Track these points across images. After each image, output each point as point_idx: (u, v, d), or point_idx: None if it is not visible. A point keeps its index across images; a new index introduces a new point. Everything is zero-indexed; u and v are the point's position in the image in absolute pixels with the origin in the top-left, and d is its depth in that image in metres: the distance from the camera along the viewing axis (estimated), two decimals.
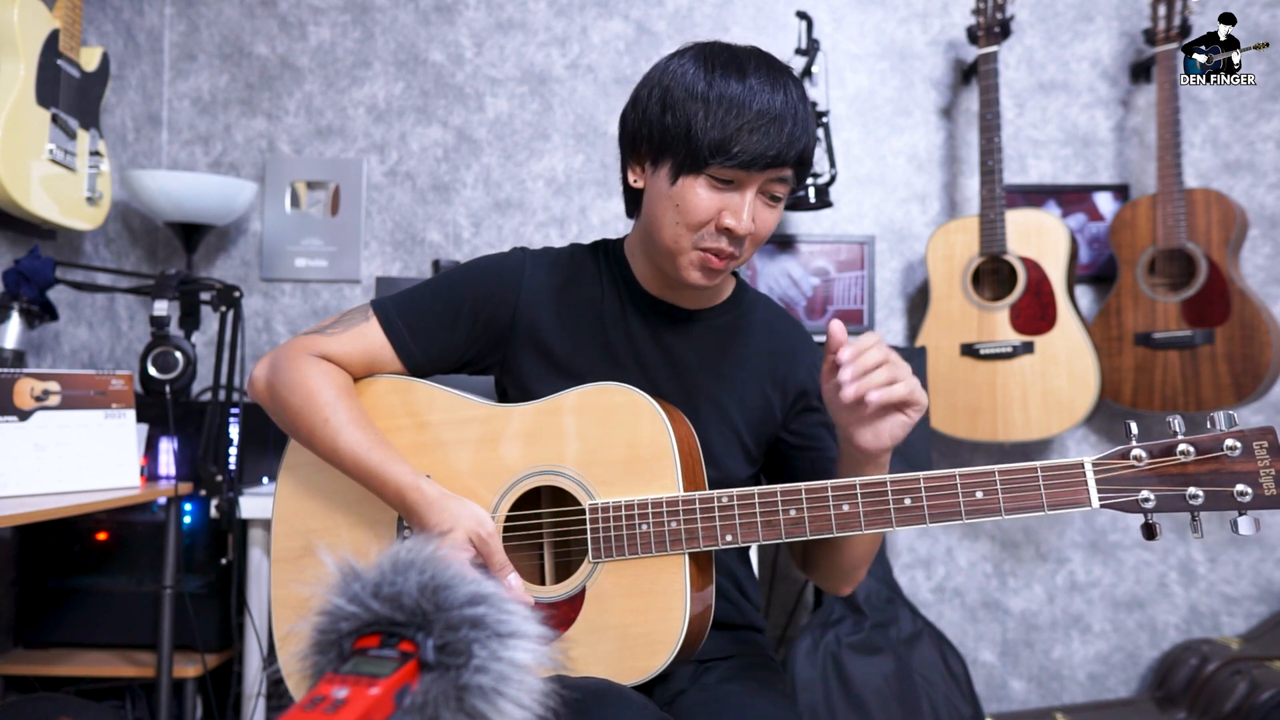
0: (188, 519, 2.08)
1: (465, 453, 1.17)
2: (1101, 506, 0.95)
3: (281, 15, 2.75)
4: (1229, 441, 0.92)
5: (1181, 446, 0.94)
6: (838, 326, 1.00)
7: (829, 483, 1.03)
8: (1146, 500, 0.94)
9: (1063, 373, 2.35)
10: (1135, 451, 0.95)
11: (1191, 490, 0.93)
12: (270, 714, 2.11)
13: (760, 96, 1.06)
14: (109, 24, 2.48)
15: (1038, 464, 0.97)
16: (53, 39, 2.01)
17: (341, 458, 1.15)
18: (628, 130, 1.16)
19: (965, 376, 2.43)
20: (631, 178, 1.18)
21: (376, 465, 1.13)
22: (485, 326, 1.22)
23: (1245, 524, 0.92)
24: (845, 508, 1.02)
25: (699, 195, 1.09)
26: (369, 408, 1.21)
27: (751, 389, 1.23)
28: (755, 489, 1.06)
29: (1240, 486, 0.92)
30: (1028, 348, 2.38)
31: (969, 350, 2.43)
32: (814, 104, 2.51)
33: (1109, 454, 0.96)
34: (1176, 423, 0.95)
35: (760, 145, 1.05)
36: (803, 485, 1.04)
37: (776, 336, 1.26)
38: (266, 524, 2.07)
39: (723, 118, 1.05)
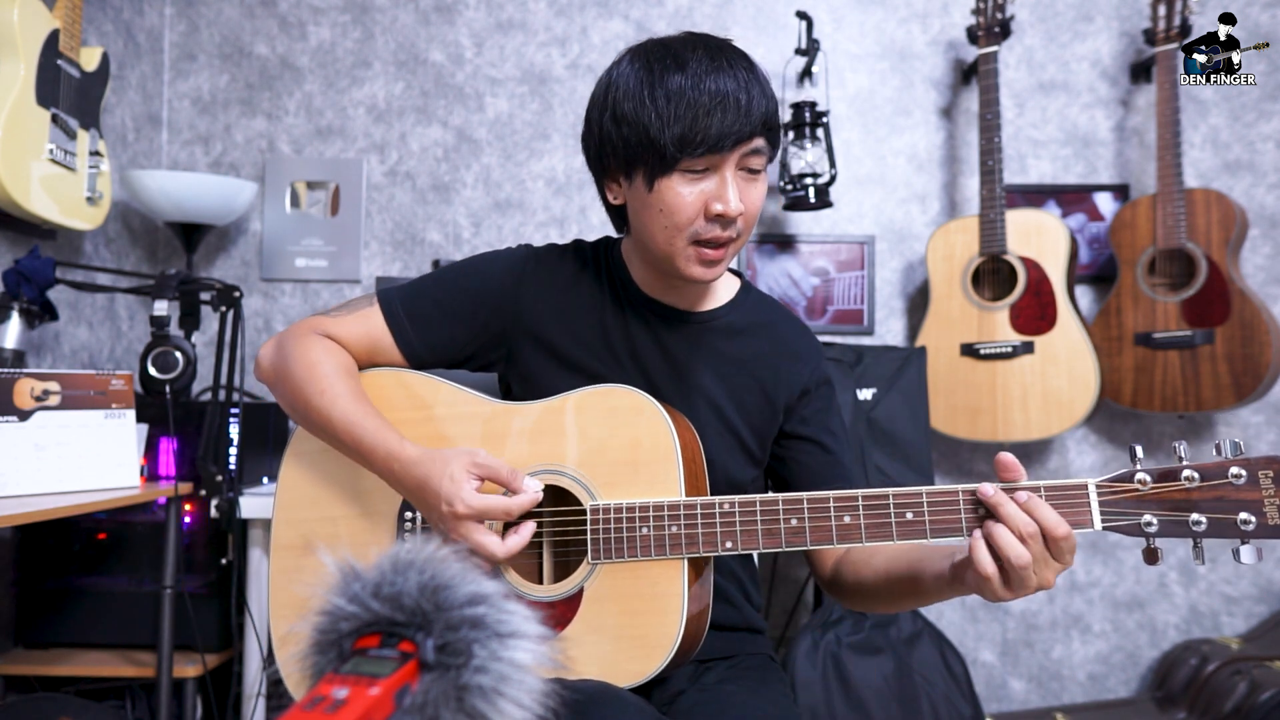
0: (188, 519, 2.08)
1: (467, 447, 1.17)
2: (1104, 529, 0.94)
3: (281, 15, 2.75)
4: (1234, 469, 0.92)
5: (1186, 472, 0.93)
6: (1008, 467, 0.96)
7: (831, 493, 1.03)
8: (1149, 524, 0.93)
9: (1063, 373, 2.35)
10: (1139, 475, 0.94)
11: (1195, 516, 0.92)
12: (270, 714, 2.11)
13: (706, 80, 1.05)
14: (109, 24, 2.48)
15: (1041, 483, 0.96)
16: (53, 39, 2.01)
17: (335, 428, 1.15)
18: (591, 153, 1.17)
19: (965, 376, 2.43)
20: (610, 196, 1.18)
21: (369, 435, 1.13)
22: (487, 322, 1.22)
23: (1247, 553, 0.91)
24: (847, 519, 1.02)
25: (679, 193, 1.08)
26: (375, 400, 1.21)
27: (753, 390, 1.22)
28: (757, 496, 1.05)
29: (1244, 515, 0.91)
30: (1028, 348, 2.38)
31: (969, 350, 2.43)
32: (814, 103, 2.52)
33: (1113, 476, 0.95)
34: (1182, 449, 0.94)
35: (721, 125, 1.05)
36: (805, 495, 1.04)
37: (779, 338, 1.26)
38: (266, 524, 2.07)
39: (676, 112, 1.05)
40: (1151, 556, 0.94)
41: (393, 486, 1.14)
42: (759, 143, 1.09)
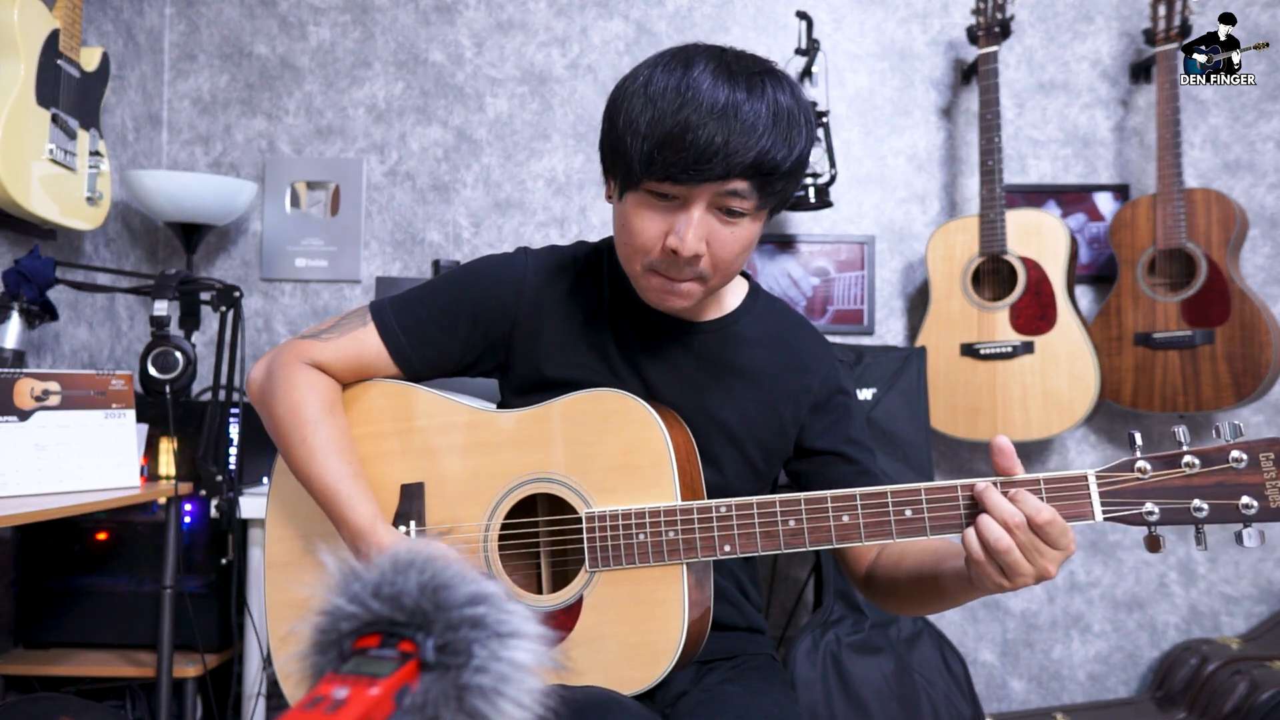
0: (188, 519, 2.08)
1: (459, 459, 1.15)
2: (1105, 520, 0.93)
3: (281, 15, 2.75)
4: (1234, 453, 0.90)
5: (1186, 458, 0.92)
6: (1003, 452, 0.94)
7: (828, 493, 1.01)
8: (1150, 513, 0.92)
9: (1063, 373, 2.35)
10: (1139, 463, 0.93)
11: (1196, 502, 0.91)
12: (270, 714, 2.11)
13: (699, 95, 0.94)
14: (109, 24, 2.48)
15: (1041, 476, 0.95)
16: (53, 39, 2.01)
17: (311, 485, 1.13)
18: (600, 145, 1.12)
19: (965, 376, 2.43)
20: (606, 192, 1.14)
21: (341, 502, 1.10)
22: (485, 332, 1.20)
23: (1250, 536, 0.90)
24: (845, 519, 1.00)
25: (640, 216, 1.02)
26: (362, 412, 1.19)
27: (759, 403, 1.19)
28: (754, 499, 1.03)
29: (1245, 499, 0.90)
30: (1028, 348, 2.38)
31: (969, 350, 2.43)
32: (814, 104, 2.51)
33: (1113, 465, 0.94)
34: (1181, 433, 0.93)
35: (693, 153, 0.94)
36: (802, 495, 1.02)
37: (787, 347, 1.22)
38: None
39: (652, 125, 0.95)
40: (1154, 544, 0.93)
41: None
42: (739, 185, 0.97)
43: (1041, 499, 0.94)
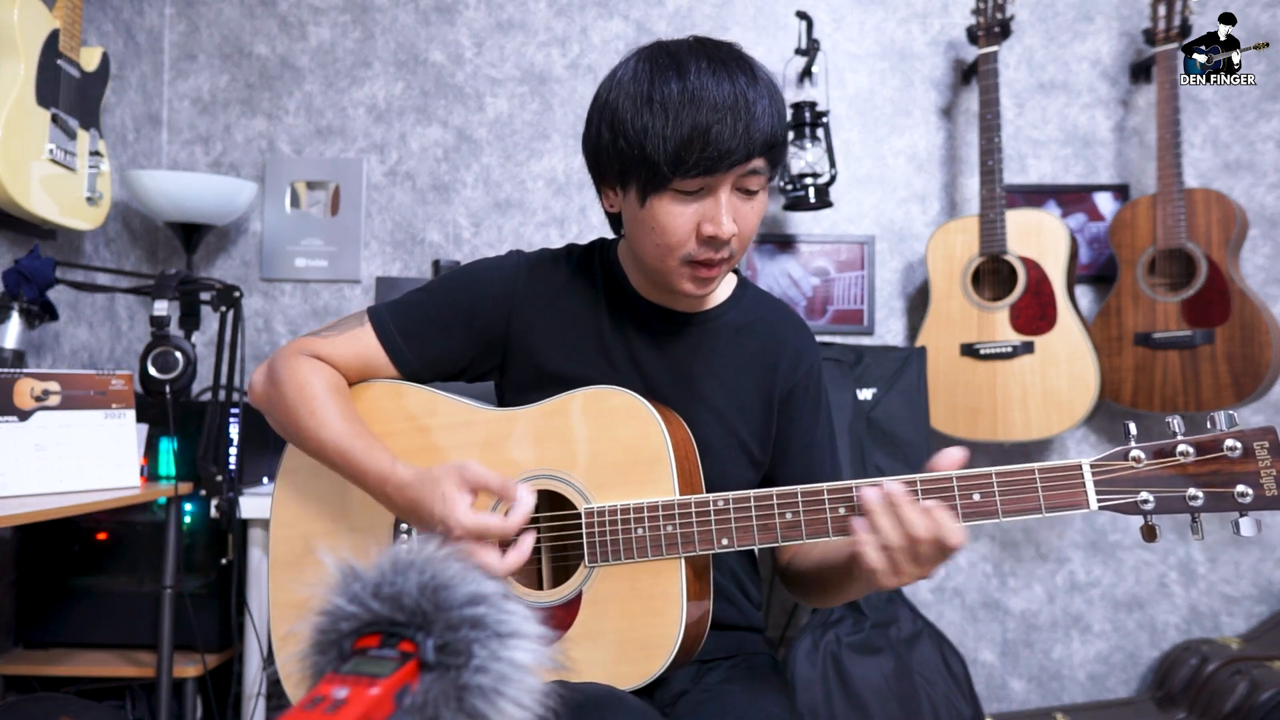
0: (188, 519, 2.08)
1: (460, 457, 1.15)
2: (1100, 509, 0.94)
3: (281, 15, 2.75)
4: (1229, 442, 0.91)
5: (1181, 447, 0.92)
6: (951, 460, 0.97)
7: (825, 485, 1.02)
8: (1145, 502, 0.93)
9: (1063, 373, 2.35)
10: (1134, 452, 0.94)
11: (1191, 491, 0.92)
12: (270, 714, 2.11)
13: (706, 97, 1.01)
14: (109, 24, 2.48)
15: (1035, 465, 0.95)
16: (53, 39, 2.01)
17: (326, 450, 1.14)
18: (589, 158, 1.15)
19: (965, 376, 2.43)
20: (606, 204, 1.16)
21: (359, 456, 1.12)
22: (480, 334, 1.22)
23: (1246, 525, 0.91)
24: (841, 511, 1.01)
25: (671, 213, 1.06)
26: (364, 412, 1.21)
27: (750, 390, 1.22)
28: (751, 492, 1.05)
29: (1241, 487, 0.91)
30: (1028, 348, 2.38)
31: (969, 350, 2.43)
32: (813, 103, 2.52)
33: (1107, 455, 0.94)
34: (1176, 423, 0.93)
35: (719, 146, 1.01)
36: (799, 488, 1.03)
37: (775, 335, 1.25)
38: (266, 524, 2.07)
39: (671, 129, 1.01)
40: (1150, 534, 0.93)
41: (387, 508, 1.14)
42: (758, 164, 1.05)
43: (1036, 491, 0.95)
